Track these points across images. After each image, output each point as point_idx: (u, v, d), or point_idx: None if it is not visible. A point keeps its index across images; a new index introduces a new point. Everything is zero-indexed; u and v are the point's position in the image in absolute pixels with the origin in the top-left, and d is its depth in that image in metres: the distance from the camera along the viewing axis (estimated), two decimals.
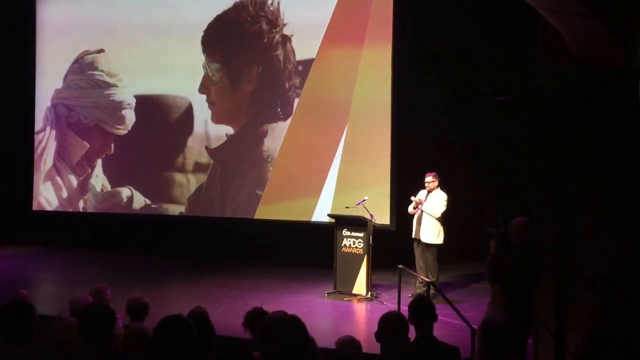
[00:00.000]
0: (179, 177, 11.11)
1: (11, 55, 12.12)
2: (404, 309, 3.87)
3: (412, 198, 7.72)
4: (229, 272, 9.30)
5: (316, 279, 8.52)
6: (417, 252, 7.71)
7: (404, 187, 8.78)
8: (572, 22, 4.68)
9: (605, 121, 5.00)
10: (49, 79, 12.19)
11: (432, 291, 6.51)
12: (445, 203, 7.57)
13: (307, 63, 10.11)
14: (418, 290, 7.54)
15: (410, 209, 7.77)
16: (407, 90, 9.39)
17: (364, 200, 7.85)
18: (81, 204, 11.87)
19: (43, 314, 4.06)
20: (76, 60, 11.93)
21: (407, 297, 7.04)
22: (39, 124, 12.27)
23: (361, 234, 7.79)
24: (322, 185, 9.84)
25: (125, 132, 11.52)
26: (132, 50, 11.43)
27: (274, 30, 10.34)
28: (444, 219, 7.60)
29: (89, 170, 11.79)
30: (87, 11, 11.86)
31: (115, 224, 11.38)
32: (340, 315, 7.19)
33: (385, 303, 7.45)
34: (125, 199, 11.49)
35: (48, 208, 12.12)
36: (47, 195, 12.13)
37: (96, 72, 11.79)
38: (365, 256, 7.71)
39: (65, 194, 11.99)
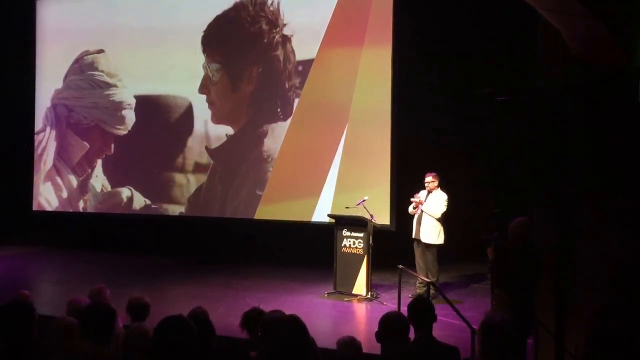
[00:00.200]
0: (179, 177, 11.11)
1: (11, 55, 12.13)
2: (404, 309, 3.86)
3: (412, 199, 7.71)
4: (229, 272, 9.29)
5: (316, 279, 8.52)
6: (417, 252, 7.70)
7: (404, 187, 8.77)
8: (572, 22, 4.68)
9: (605, 121, 5.00)
10: (49, 79, 12.19)
11: (432, 291, 6.52)
12: (445, 203, 7.56)
13: (307, 63, 10.11)
14: (418, 291, 7.53)
15: (410, 209, 7.76)
16: (407, 90, 9.39)
17: (364, 200, 7.84)
18: (81, 204, 11.88)
19: (43, 314, 4.05)
20: (76, 61, 11.93)
21: (407, 297, 7.03)
22: (39, 124, 12.28)
23: (361, 234, 7.79)
24: (322, 185, 9.84)
25: (125, 132, 11.52)
26: (132, 50, 11.43)
27: (274, 31, 10.34)
28: (444, 219, 7.59)
29: (89, 170, 11.80)
30: (87, 12, 11.87)
31: (115, 224, 11.38)
32: (340, 315, 7.18)
33: (385, 303, 7.45)
34: (125, 199, 11.50)
35: (48, 208, 12.12)
36: (47, 196, 12.13)
37: (96, 73, 11.79)
38: (365, 256, 7.71)
39: (65, 194, 12.00)
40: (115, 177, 11.63)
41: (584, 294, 5.02)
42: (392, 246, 8.12)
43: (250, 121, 10.53)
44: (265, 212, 10.30)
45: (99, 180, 11.72)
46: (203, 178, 10.93)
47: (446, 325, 5.88)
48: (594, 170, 5.05)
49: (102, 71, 11.75)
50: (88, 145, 11.81)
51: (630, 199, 4.88)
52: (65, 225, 11.79)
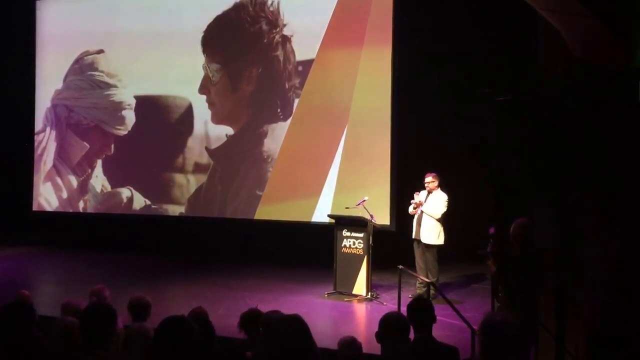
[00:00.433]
0: (179, 177, 11.11)
1: (11, 56, 12.13)
2: (404, 310, 3.86)
3: (412, 201, 7.71)
4: (229, 272, 9.29)
5: (316, 279, 8.51)
6: (417, 252, 7.70)
7: (403, 187, 8.77)
8: (572, 22, 4.68)
9: (605, 121, 4.99)
10: (49, 80, 12.20)
11: (432, 292, 6.53)
12: (445, 204, 7.56)
13: (307, 64, 10.11)
14: (418, 291, 7.53)
15: (411, 209, 7.76)
16: (407, 90, 9.39)
17: (364, 200, 7.84)
18: (81, 205, 11.88)
19: (43, 314, 4.05)
20: (76, 61, 11.94)
21: (407, 297, 7.02)
22: (39, 124, 12.28)
23: (361, 235, 7.79)
24: (322, 185, 9.84)
25: (125, 132, 11.52)
26: (132, 50, 11.44)
27: (274, 31, 10.34)
28: (444, 220, 7.59)
29: (89, 170, 11.80)
30: (87, 12, 11.87)
31: (115, 225, 11.38)
32: (340, 315, 7.18)
33: (385, 303, 7.45)
34: (125, 200, 11.50)
35: (48, 208, 12.12)
36: (47, 196, 12.13)
37: (96, 73, 11.79)
38: (365, 256, 7.71)
39: (65, 195, 12.00)
40: (115, 177, 11.63)
41: (584, 294, 5.01)
42: (392, 246, 8.12)
43: (250, 121, 10.53)
44: (265, 212, 10.30)
45: (99, 180, 11.72)
46: (203, 178, 10.93)
47: (446, 325, 5.88)
48: (594, 170, 5.04)
49: (102, 71, 11.75)
50: (88, 146, 11.82)
51: (630, 199, 4.87)
52: (65, 226, 11.79)
